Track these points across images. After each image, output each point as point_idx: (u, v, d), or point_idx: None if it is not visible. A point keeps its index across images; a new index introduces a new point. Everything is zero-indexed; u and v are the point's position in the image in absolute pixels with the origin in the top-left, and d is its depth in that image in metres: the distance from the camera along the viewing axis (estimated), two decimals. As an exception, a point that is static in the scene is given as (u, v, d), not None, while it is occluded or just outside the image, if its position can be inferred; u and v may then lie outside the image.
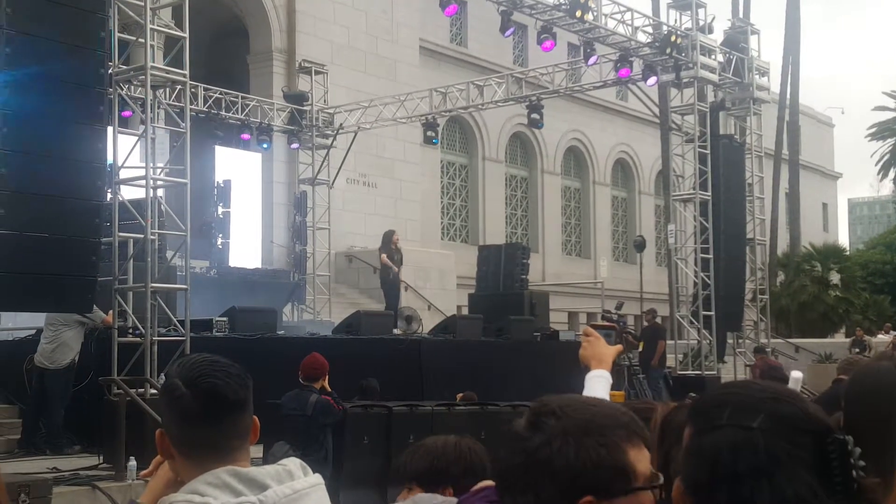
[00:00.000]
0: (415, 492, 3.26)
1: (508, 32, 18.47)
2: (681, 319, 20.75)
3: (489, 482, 2.15)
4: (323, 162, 23.89)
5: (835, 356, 24.83)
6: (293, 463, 2.23)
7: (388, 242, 20.25)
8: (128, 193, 12.33)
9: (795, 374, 5.28)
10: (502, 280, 20.97)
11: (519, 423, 1.82)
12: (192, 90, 18.77)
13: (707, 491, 1.59)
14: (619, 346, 3.33)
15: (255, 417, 2.23)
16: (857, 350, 25.21)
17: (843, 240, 58.86)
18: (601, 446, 1.76)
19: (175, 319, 12.13)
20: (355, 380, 12.48)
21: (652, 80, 20.14)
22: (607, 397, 3.01)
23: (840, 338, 32.48)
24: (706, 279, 19.43)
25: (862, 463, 1.55)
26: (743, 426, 1.57)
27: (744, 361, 21.47)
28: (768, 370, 16.00)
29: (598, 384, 3.07)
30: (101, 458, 11.08)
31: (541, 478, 1.73)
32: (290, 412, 9.48)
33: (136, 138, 12.91)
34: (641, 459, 1.77)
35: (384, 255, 20.09)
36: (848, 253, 38.58)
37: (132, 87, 13.92)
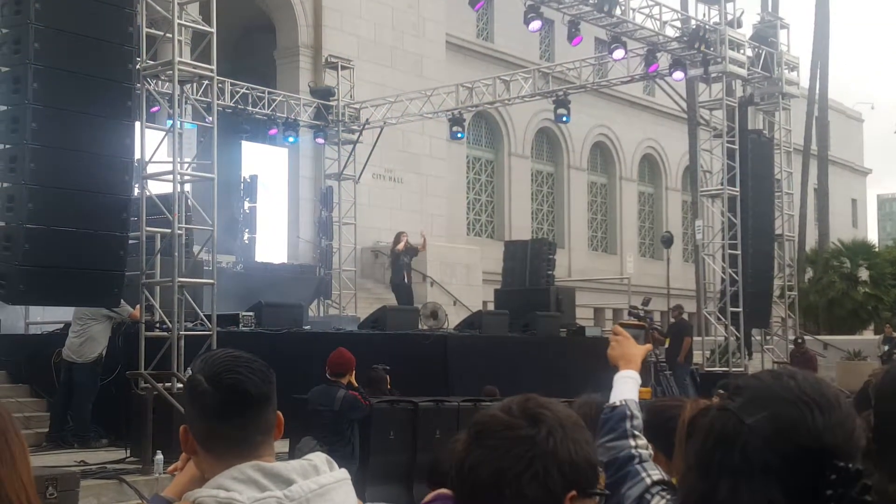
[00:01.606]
0: None
1: (536, 28, 18.37)
2: (708, 316, 20.63)
3: (444, 490, 2.11)
4: (349, 157, 23.90)
5: (864, 353, 24.62)
6: (319, 458, 2.21)
7: (396, 243, 20.23)
8: (155, 188, 12.39)
9: None
10: (528, 276, 20.93)
11: (507, 415, 1.82)
12: (219, 85, 18.80)
13: (688, 467, 1.58)
14: (649, 346, 3.29)
15: (279, 413, 2.22)
16: (887, 347, 24.99)
17: (873, 236, 58.29)
18: (587, 444, 1.84)
19: (202, 314, 12.18)
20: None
21: (679, 75, 20.00)
22: (636, 398, 2.98)
23: (869, 335, 32.18)
24: (734, 275, 19.30)
25: (868, 499, 1.44)
26: (740, 418, 1.52)
27: (771, 358, 21.34)
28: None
29: (626, 385, 3.04)
30: (129, 451, 11.16)
31: (549, 467, 1.76)
32: (317, 407, 9.48)
33: (164, 133, 12.96)
34: None
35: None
36: (877, 249, 38.10)
37: (160, 83, 13.98)
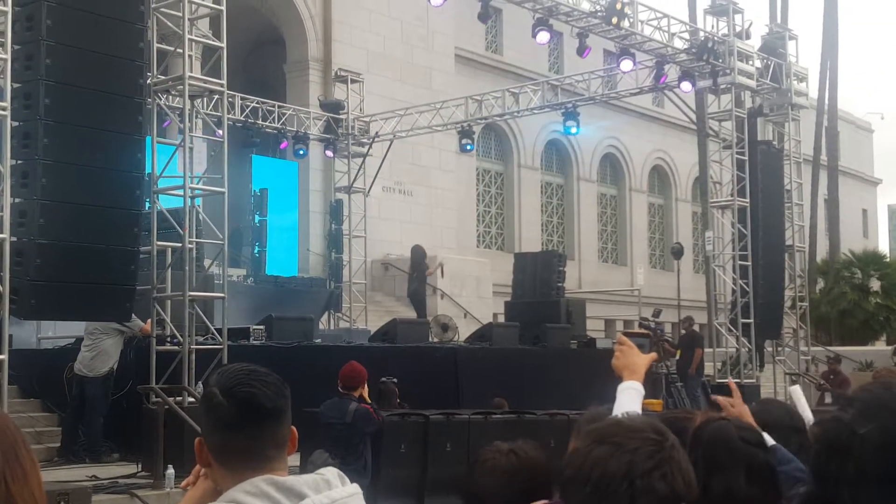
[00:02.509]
0: None
1: (545, 41, 18.34)
2: (719, 327, 20.58)
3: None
4: (359, 170, 23.95)
5: (876, 364, 24.50)
6: (330, 472, 2.22)
7: (425, 258, 20.46)
8: (166, 202, 12.43)
9: (795, 390, 4.91)
10: (538, 287, 20.89)
11: (631, 422, 1.94)
12: (230, 99, 18.87)
13: (811, 477, 1.60)
14: (653, 355, 3.29)
15: (294, 428, 2.23)
16: (899, 358, 24.85)
17: (884, 246, 58.02)
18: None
19: (212, 328, 12.20)
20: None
21: (687, 86, 20.00)
22: (639, 410, 2.98)
23: (881, 345, 32.03)
24: (745, 286, 19.25)
25: None
26: (853, 429, 1.53)
27: (783, 370, 21.26)
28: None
29: (629, 396, 3.04)
30: (140, 466, 11.16)
31: (675, 473, 1.85)
32: (330, 420, 9.47)
33: (175, 148, 13.01)
34: None
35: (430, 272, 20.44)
36: (888, 259, 37.96)
37: (170, 97, 14.03)
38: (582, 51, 18.19)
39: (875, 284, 33.81)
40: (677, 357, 19.16)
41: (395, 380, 12.22)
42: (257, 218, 21.68)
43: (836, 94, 37.23)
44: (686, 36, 19.47)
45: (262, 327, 14.14)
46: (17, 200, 10.01)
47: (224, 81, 12.54)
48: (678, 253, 29.11)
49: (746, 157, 19.44)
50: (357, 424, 9.43)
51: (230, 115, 17.90)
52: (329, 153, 24.05)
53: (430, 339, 16.79)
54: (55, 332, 14.75)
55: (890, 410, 1.53)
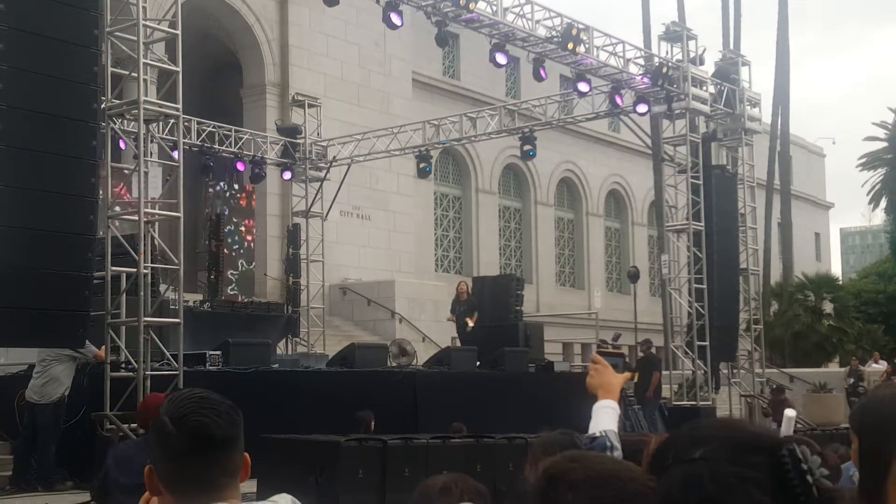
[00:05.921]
0: None
1: (503, 62, 18.43)
2: (675, 350, 20.72)
3: None
4: (316, 194, 23.87)
5: (829, 386, 24.80)
6: (284, 499, 2.20)
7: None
8: (120, 227, 12.32)
9: (789, 413, 5.09)
10: (497, 311, 20.92)
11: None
12: (186, 124, 18.78)
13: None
14: (627, 374, 3.32)
15: (247, 454, 2.20)
16: (853, 380, 25.18)
17: (836, 269, 58.98)
18: None
19: (168, 353, 12.08)
20: (350, 413, 12.47)
21: (643, 107, 20.15)
22: (615, 428, 2.99)
23: (834, 367, 32.43)
24: (700, 309, 19.42)
25: (824, 471, 1.52)
26: (685, 460, 1.56)
27: (738, 391, 21.43)
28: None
29: (605, 415, 3.05)
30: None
31: None
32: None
33: (129, 172, 12.92)
34: None
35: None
36: (841, 282, 38.60)
37: (125, 122, 13.94)
38: (538, 76, 18.28)
39: (828, 307, 34.27)
40: (635, 380, 19.25)
41: (370, 412, 12.30)
42: (213, 242, 21.49)
43: (788, 119, 37.82)
44: (641, 62, 19.68)
45: (218, 353, 14.00)
46: (-32, 225, 9.88)
47: (180, 106, 12.49)
48: (634, 276, 29.31)
49: (701, 182, 19.66)
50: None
51: (186, 140, 17.81)
52: (287, 175, 23.94)
53: (389, 364, 16.75)
54: (7, 359, 14.51)
55: (720, 429, 1.61)
